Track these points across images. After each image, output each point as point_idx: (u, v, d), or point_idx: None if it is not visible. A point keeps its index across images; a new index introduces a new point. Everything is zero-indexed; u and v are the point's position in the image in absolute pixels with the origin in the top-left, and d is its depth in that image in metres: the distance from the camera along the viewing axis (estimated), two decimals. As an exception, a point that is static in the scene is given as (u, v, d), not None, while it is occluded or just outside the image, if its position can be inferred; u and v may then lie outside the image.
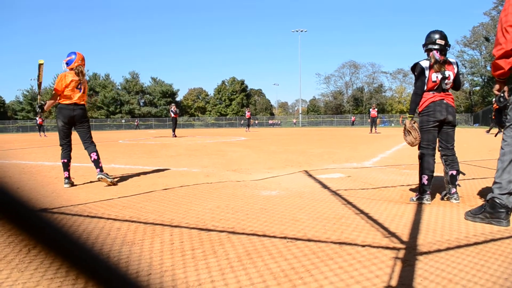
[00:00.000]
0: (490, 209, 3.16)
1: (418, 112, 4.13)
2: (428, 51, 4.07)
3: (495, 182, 3.18)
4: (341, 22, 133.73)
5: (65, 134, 5.47)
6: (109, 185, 5.30)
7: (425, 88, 3.99)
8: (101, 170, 5.38)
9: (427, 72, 3.96)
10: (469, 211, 3.37)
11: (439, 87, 3.98)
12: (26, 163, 8.83)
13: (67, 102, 5.40)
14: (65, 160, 5.41)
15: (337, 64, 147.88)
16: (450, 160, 4.06)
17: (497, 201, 3.11)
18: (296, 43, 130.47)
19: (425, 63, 3.98)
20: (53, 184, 5.55)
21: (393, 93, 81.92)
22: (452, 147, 4.09)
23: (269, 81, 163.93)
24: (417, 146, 4.14)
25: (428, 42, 4.06)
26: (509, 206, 3.10)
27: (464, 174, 4.23)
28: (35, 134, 32.45)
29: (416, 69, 4.05)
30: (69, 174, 5.39)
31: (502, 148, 3.19)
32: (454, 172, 4.01)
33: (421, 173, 4.03)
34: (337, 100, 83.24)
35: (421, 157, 4.07)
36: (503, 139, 3.22)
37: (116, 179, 5.59)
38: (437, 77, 3.95)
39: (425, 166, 4.03)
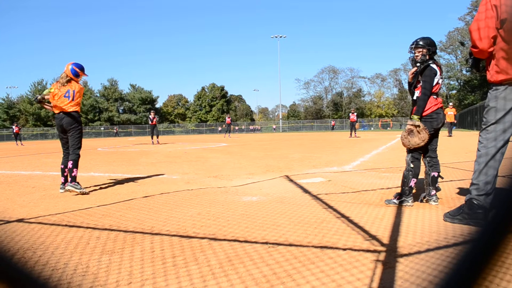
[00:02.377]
0: (468, 210, 3.21)
1: (419, 116, 4.10)
2: (434, 54, 4.13)
3: (472, 184, 3.24)
4: (320, 28, 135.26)
5: (61, 141, 5.72)
6: (77, 194, 5.26)
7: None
8: (71, 181, 5.36)
9: (438, 75, 4.02)
10: (448, 212, 3.42)
11: (437, 91, 4.06)
12: (3, 172, 8.64)
13: (56, 111, 5.63)
14: (62, 166, 5.66)
15: (317, 69, 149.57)
16: (433, 162, 4.12)
17: (475, 202, 3.17)
18: (275, 48, 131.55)
19: (435, 66, 4.03)
20: (30, 193, 5.43)
21: (372, 98, 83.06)
22: (436, 149, 4.17)
23: (249, 87, 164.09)
24: (405, 149, 4.16)
25: (436, 49, 4.14)
26: (486, 206, 3.15)
27: (442, 178, 4.29)
28: (12, 143, 31.73)
29: (429, 71, 4.03)
30: (65, 180, 5.57)
31: (478, 150, 3.25)
32: (436, 174, 4.07)
33: (412, 176, 4.05)
34: (317, 105, 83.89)
35: (412, 161, 4.09)
36: (479, 141, 3.27)
37: (85, 190, 5.38)
38: (439, 81, 4.04)
39: (416, 170, 4.07)
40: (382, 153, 11.47)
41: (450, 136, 23.16)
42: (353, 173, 6.90)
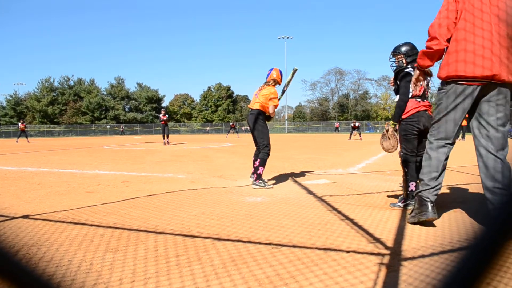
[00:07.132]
0: (417, 205, 3.30)
1: (401, 118, 4.11)
2: (413, 58, 4.10)
3: (420, 179, 3.35)
4: (327, 29, 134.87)
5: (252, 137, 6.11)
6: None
7: (411, 95, 4.00)
8: (256, 179, 5.66)
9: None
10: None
11: (423, 94, 4.02)
12: (9, 168, 8.69)
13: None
14: (253, 158, 5.98)
15: (323, 70, 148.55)
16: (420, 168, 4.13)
17: (422, 195, 3.26)
18: (282, 49, 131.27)
19: (411, 70, 4.00)
20: (36, 190, 5.46)
21: (378, 100, 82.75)
22: (422, 154, 4.17)
23: (256, 87, 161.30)
24: (397, 154, 4.16)
25: (416, 52, 4.10)
26: (432, 200, 3.22)
27: None
28: (22, 140, 31.70)
29: (404, 77, 3.99)
30: (254, 171, 5.81)
31: (429, 143, 3.36)
32: None
33: (409, 180, 4.05)
34: (323, 106, 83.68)
35: (406, 165, 4.09)
36: (430, 134, 3.38)
37: (270, 186, 5.70)
38: (423, 83, 4.01)
39: (411, 173, 4.05)
40: (388, 155, 11.42)
41: (463, 139, 23.02)
42: (358, 175, 6.88)
